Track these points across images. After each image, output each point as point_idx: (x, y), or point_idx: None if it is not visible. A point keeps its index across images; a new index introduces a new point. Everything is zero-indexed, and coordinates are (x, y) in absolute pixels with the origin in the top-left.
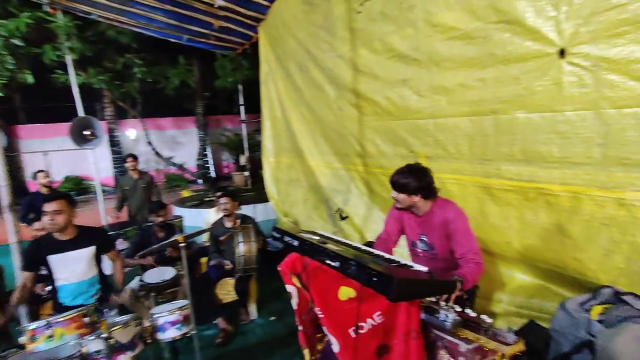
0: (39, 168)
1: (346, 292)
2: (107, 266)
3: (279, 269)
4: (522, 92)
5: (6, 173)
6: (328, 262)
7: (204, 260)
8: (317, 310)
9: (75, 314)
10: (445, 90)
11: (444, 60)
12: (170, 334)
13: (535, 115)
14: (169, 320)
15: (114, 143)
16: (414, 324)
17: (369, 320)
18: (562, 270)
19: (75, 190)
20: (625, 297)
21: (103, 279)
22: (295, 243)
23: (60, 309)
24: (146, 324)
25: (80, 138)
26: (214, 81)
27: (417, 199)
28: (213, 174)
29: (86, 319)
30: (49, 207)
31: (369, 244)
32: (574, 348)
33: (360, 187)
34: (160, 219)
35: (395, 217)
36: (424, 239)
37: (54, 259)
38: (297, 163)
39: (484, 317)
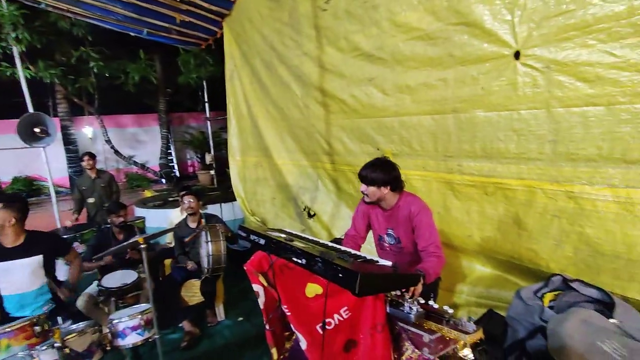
0: None
1: (313, 289)
2: (63, 272)
3: (245, 268)
4: (481, 92)
5: None
6: (294, 259)
7: (168, 262)
8: (284, 308)
9: (23, 324)
10: (410, 89)
11: (407, 59)
12: (130, 340)
13: (493, 114)
14: (129, 325)
15: (69, 141)
16: (379, 318)
17: (336, 316)
18: (518, 260)
19: (25, 192)
20: (573, 284)
21: (56, 286)
22: (262, 241)
23: (6, 319)
24: (105, 330)
25: (30, 136)
26: (177, 77)
27: (385, 191)
28: (177, 173)
29: (37, 328)
30: None
31: (337, 240)
32: (529, 334)
33: (328, 185)
34: (120, 220)
35: (362, 213)
36: (391, 232)
37: None
38: (264, 161)
39: (445, 307)
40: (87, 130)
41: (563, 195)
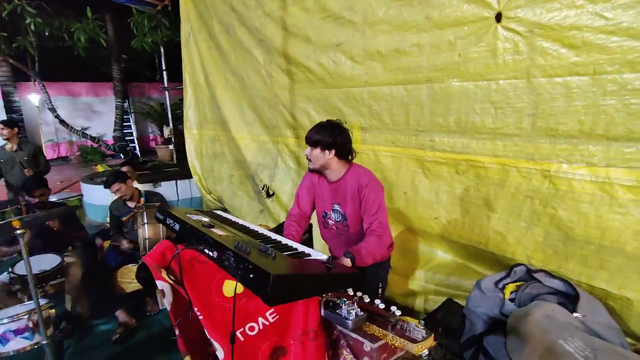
0: None
1: (232, 287)
2: None
3: (143, 260)
4: (457, 59)
5: None
6: (207, 251)
7: (107, 244)
8: (195, 310)
9: None
10: (381, 55)
11: (380, 22)
12: (14, 345)
13: (470, 84)
14: (11, 328)
15: (12, 109)
16: (312, 323)
17: (261, 320)
18: (484, 246)
19: None
20: (536, 275)
21: None
22: (177, 227)
23: None
24: None
25: None
26: (130, 42)
27: (330, 156)
28: (136, 147)
29: None
30: None
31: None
32: (488, 328)
33: (288, 162)
34: (36, 200)
35: (306, 188)
36: (337, 208)
37: None
38: (221, 135)
39: (392, 308)
40: (33, 97)
41: (538, 174)
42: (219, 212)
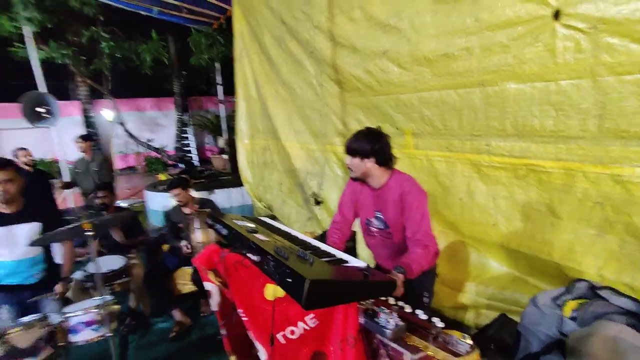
0: (18, 146)
1: (273, 291)
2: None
3: (192, 263)
4: (511, 61)
5: None
6: (249, 255)
7: (166, 247)
8: (240, 312)
9: None
10: (428, 61)
11: (426, 27)
12: (84, 336)
13: (527, 86)
14: (83, 320)
15: (89, 124)
16: (351, 329)
17: (301, 324)
18: (547, 255)
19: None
20: (601, 292)
21: (50, 261)
22: (224, 232)
23: None
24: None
25: (34, 115)
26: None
27: (370, 164)
28: (195, 157)
29: None
30: None
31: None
32: (544, 348)
33: (335, 170)
34: (100, 201)
35: (349, 195)
36: (380, 215)
37: None
38: (272, 145)
39: (434, 320)
40: (106, 113)
41: (608, 179)
42: (264, 219)
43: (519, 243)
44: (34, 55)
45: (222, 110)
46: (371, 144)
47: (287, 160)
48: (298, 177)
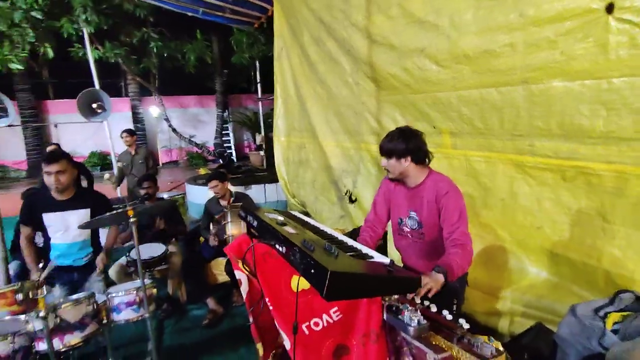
0: (54, 142)
1: (299, 283)
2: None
3: (225, 251)
4: (559, 58)
5: None
6: (277, 246)
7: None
8: (267, 301)
9: (5, 290)
10: (468, 58)
11: (467, 23)
12: (125, 315)
13: (575, 84)
14: (124, 301)
15: (137, 120)
16: (374, 325)
17: (325, 317)
18: (596, 261)
19: (99, 165)
20: None
21: (98, 246)
22: (255, 223)
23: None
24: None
25: (89, 111)
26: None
27: (407, 163)
28: (233, 153)
29: (19, 296)
30: (52, 167)
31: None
32: None
33: (370, 168)
34: (144, 192)
35: (383, 194)
36: (413, 215)
37: (48, 217)
38: (308, 142)
39: (461, 321)
40: (153, 110)
41: None
42: (296, 213)
43: (565, 247)
44: (91, 55)
45: (260, 108)
46: (406, 143)
47: (322, 158)
48: (333, 175)
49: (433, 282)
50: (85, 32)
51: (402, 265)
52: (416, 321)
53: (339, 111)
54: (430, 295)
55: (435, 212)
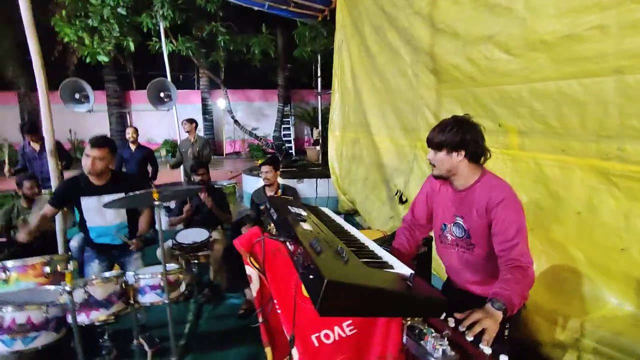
0: (133, 126)
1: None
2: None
3: (233, 243)
4: None
5: None
6: (288, 244)
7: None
8: (274, 302)
9: (35, 262)
10: (546, 45)
11: (546, 5)
12: (149, 298)
13: None
14: (149, 283)
15: (206, 111)
16: (391, 347)
17: (337, 329)
18: None
19: (171, 152)
20: None
21: (134, 225)
22: (275, 216)
23: (89, 243)
24: (129, 282)
25: (157, 100)
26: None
27: (459, 158)
28: (292, 147)
29: (47, 269)
30: (93, 152)
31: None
32: None
33: (424, 168)
34: (198, 178)
35: (425, 194)
36: (460, 221)
37: (85, 202)
38: (362, 138)
39: (502, 358)
40: (220, 102)
41: None
42: (326, 210)
43: None
44: (165, 49)
45: (319, 103)
46: (461, 134)
47: (375, 154)
48: (385, 173)
49: (490, 321)
50: (162, 26)
51: (445, 276)
52: (441, 351)
53: (395, 105)
54: (485, 341)
55: (485, 222)
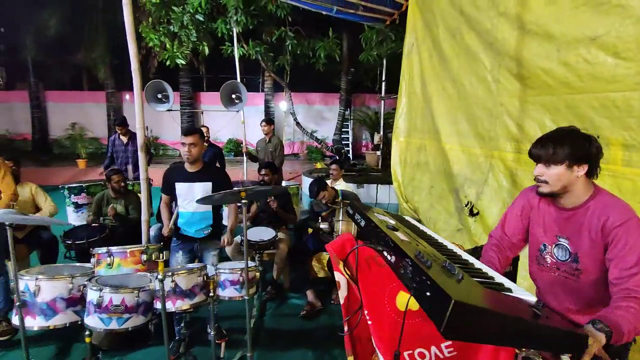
0: (205, 125)
1: (408, 302)
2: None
3: (326, 248)
4: None
5: None
6: (385, 254)
7: (311, 230)
8: (365, 313)
9: (134, 249)
10: None
11: None
12: (228, 292)
13: None
14: (229, 278)
15: (269, 113)
16: None
17: (434, 350)
18: None
19: (234, 151)
20: None
21: (217, 218)
22: (362, 223)
23: (177, 234)
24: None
25: (229, 101)
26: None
27: (581, 173)
28: (350, 151)
29: (143, 257)
30: (186, 139)
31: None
32: None
33: (500, 180)
34: (261, 178)
35: (520, 208)
36: (564, 243)
37: (179, 187)
38: (428, 144)
39: None
40: (282, 104)
41: None
42: (409, 219)
43: None
44: (237, 53)
45: (382, 107)
46: (587, 145)
47: (443, 162)
48: (454, 183)
49: (595, 342)
50: (235, 31)
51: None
52: None
53: (470, 112)
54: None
55: (600, 246)
